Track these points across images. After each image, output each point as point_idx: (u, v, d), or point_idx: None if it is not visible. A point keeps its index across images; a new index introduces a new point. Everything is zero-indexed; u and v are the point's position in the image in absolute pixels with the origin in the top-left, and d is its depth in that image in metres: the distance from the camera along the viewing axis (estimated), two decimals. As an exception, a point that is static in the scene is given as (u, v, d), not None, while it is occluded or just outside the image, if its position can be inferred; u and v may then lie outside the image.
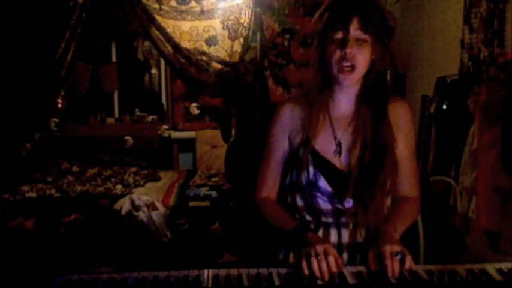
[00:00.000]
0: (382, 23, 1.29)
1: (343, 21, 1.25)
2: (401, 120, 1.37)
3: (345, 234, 1.35)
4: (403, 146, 1.36)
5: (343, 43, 1.25)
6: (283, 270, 1.18)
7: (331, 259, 1.15)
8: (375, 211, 1.32)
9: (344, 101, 1.37)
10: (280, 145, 1.41)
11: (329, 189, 1.33)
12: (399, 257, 1.16)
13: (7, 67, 3.27)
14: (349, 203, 1.32)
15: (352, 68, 1.27)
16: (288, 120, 1.39)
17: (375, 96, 1.34)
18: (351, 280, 1.14)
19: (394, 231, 1.27)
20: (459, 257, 2.38)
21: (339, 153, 1.34)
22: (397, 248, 1.18)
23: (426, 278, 1.14)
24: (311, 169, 1.33)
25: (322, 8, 1.32)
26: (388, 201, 1.39)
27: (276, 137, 1.41)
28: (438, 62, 3.64)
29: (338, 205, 1.33)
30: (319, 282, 1.12)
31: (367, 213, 1.31)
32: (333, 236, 1.35)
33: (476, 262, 1.24)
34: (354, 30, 1.25)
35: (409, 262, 1.16)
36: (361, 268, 1.19)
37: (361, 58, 1.27)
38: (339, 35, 1.26)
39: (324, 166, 1.33)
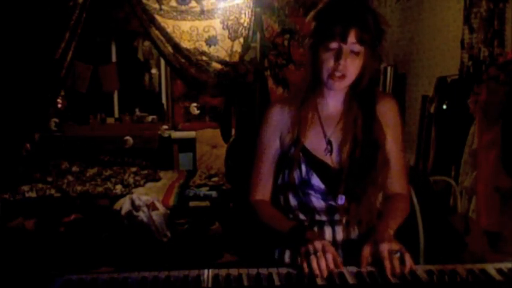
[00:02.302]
0: (377, 31, 1.28)
1: (341, 33, 1.24)
2: (389, 116, 1.38)
3: (339, 232, 1.36)
4: (391, 142, 1.37)
5: (338, 54, 1.26)
6: (283, 270, 1.18)
7: (330, 256, 1.16)
8: (367, 207, 1.33)
9: (333, 100, 1.38)
10: (272, 146, 1.41)
11: (322, 186, 1.34)
12: (398, 255, 1.17)
13: (7, 67, 3.27)
14: (341, 200, 1.33)
15: (343, 76, 1.28)
16: (277, 121, 1.40)
17: (363, 94, 1.35)
18: (351, 280, 1.14)
19: (389, 229, 1.27)
20: (459, 257, 2.38)
21: (330, 151, 1.35)
22: (395, 246, 1.19)
23: (426, 278, 1.14)
24: (303, 167, 1.34)
25: (319, 9, 1.31)
26: (380, 198, 1.40)
27: (267, 138, 1.42)
28: (438, 62, 3.64)
29: (331, 202, 1.34)
30: (318, 280, 1.13)
31: (359, 209, 1.32)
32: (327, 234, 1.35)
33: (476, 262, 1.24)
34: (350, 44, 1.25)
35: (408, 260, 1.16)
36: (361, 268, 1.19)
37: (353, 68, 1.28)
38: (335, 45, 1.26)
39: (315, 164, 1.34)
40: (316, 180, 1.34)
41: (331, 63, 1.27)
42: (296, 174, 1.34)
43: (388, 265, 1.15)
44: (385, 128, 1.36)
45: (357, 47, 1.25)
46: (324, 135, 1.36)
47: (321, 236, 1.34)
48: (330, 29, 1.25)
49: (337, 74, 1.27)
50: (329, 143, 1.35)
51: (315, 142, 1.35)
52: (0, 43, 3.25)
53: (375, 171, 1.32)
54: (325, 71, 1.29)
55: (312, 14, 1.32)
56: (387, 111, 1.38)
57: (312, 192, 1.35)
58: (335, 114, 1.38)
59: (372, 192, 1.33)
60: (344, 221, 1.35)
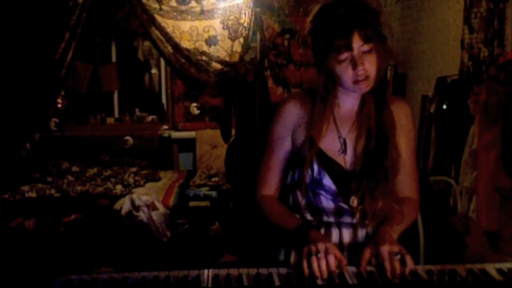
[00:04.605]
0: (374, 19, 1.26)
1: (345, 43, 1.23)
2: (403, 121, 1.38)
3: (346, 234, 1.35)
4: (404, 146, 1.37)
5: (353, 63, 1.24)
6: (283, 270, 1.18)
7: (331, 258, 1.15)
8: (380, 207, 1.32)
9: (348, 101, 1.38)
10: (283, 143, 1.40)
11: (333, 187, 1.33)
12: (398, 256, 1.17)
13: (7, 67, 3.27)
14: (354, 201, 1.32)
15: (367, 77, 1.27)
16: (291, 118, 1.39)
17: (376, 89, 1.34)
18: (350, 280, 1.14)
19: (393, 232, 1.27)
20: (459, 257, 2.38)
21: (344, 151, 1.34)
22: (395, 248, 1.19)
23: (426, 278, 1.14)
24: (315, 167, 1.33)
25: (312, 26, 1.30)
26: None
27: (279, 134, 1.41)
28: (438, 62, 3.64)
29: (341, 203, 1.33)
30: (319, 281, 1.12)
31: (373, 209, 1.31)
32: (334, 236, 1.34)
33: (476, 262, 1.24)
34: (359, 47, 1.24)
35: (409, 262, 1.16)
36: (361, 268, 1.19)
37: (372, 66, 1.27)
38: (345, 56, 1.25)
39: (328, 164, 1.33)
40: (327, 180, 1.33)
41: (349, 72, 1.26)
42: (307, 174, 1.33)
43: (389, 267, 1.15)
44: (398, 131, 1.36)
45: (367, 47, 1.24)
46: (339, 136, 1.35)
47: (327, 237, 1.33)
48: (332, 44, 1.24)
49: (360, 78, 1.26)
50: (344, 143, 1.35)
51: (328, 142, 1.35)
52: (1, 43, 3.25)
53: (388, 170, 1.32)
54: (347, 79, 1.28)
55: (307, 28, 1.32)
56: (401, 116, 1.38)
57: (322, 192, 1.34)
58: (350, 114, 1.37)
59: (386, 191, 1.32)
60: (355, 221, 1.34)
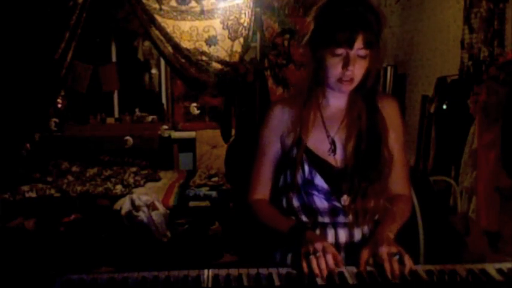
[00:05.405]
0: (379, 29, 1.27)
1: (347, 40, 1.23)
2: (392, 118, 1.38)
3: (342, 234, 1.35)
4: (395, 144, 1.37)
5: (346, 61, 1.25)
6: (283, 270, 1.18)
7: (330, 257, 1.15)
8: (373, 205, 1.32)
9: (336, 100, 1.38)
10: (273, 146, 1.41)
11: (325, 186, 1.33)
12: (397, 257, 1.17)
13: (7, 67, 3.27)
14: (346, 200, 1.32)
15: (351, 80, 1.28)
16: (279, 121, 1.39)
17: (366, 90, 1.34)
18: (350, 280, 1.14)
19: (389, 232, 1.27)
20: (459, 257, 2.38)
21: (334, 151, 1.34)
22: (394, 249, 1.19)
23: (426, 278, 1.14)
24: (306, 167, 1.33)
25: (320, 11, 1.29)
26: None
27: (268, 138, 1.41)
28: (438, 62, 3.64)
29: (335, 202, 1.33)
30: (319, 280, 1.13)
31: (365, 207, 1.31)
32: (330, 236, 1.34)
33: (476, 262, 1.24)
34: (357, 50, 1.24)
35: (408, 262, 1.16)
36: (361, 268, 1.19)
37: (361, 71, 1.28)
38: (342, 51, 1.24)
39: (318, 164, 1.33)
40: (319, 180, 1.33)
41: (338, 69, 1.26)
42: (299, 175, 1.33)
43: (388, 267, 1.15)
44: (388, 128, 1.36)
45: (364, 52, 1.25)
46: (327, 135, 1.35)
47: (323, 237, 1.33)
48: (335, 35, 1.23)
49: (346, 78, 1.27)
50: (332, 142, 1.35)
51: (317, 142, 1.35)
52: (1, 43, 3.25)
53: (380, 167, 1.32)
54: (332, 76, 1.28)
55: (312, 14, 1.31)
56: (390, 112, 1.38)
57: (315, 193, 1.34)
58: (338, 113, 1.37)
59: (378, 190, 1.32)
60: (348, 222, 1.34)
